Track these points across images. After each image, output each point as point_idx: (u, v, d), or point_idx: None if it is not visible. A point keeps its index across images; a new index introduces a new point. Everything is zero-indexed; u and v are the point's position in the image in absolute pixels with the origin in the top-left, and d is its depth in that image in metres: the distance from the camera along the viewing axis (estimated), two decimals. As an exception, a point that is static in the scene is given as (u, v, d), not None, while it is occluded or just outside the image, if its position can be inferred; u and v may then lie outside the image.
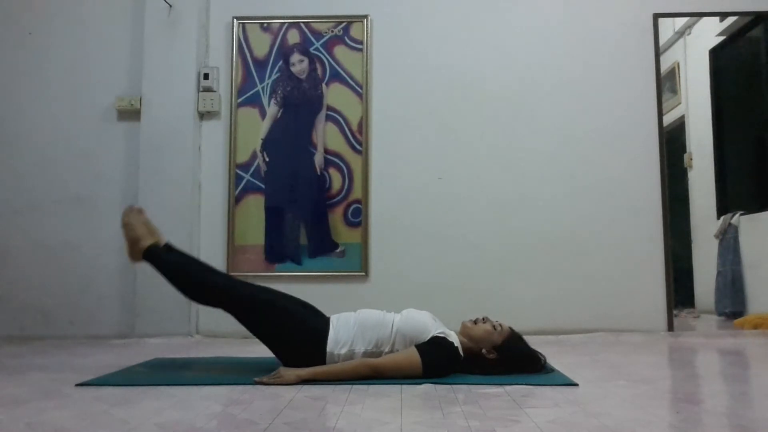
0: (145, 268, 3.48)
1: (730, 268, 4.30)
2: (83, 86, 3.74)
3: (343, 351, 2.14)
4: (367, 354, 2.14)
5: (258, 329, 2.22)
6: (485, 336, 2.20)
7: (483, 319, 2.25)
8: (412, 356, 2.08)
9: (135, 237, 2.31)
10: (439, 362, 2.11)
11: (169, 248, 2.38)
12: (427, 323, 2.18)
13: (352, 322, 2.20)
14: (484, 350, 2.19)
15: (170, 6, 3.63)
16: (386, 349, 2.15)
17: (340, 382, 2.02)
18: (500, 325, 2.24)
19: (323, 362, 2.13)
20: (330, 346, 2.14)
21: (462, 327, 2.25)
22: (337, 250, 3.62)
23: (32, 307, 3.61)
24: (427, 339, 2.13)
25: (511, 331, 2.25)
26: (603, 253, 3.58)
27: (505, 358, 2.18)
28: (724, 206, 4.64)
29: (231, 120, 3.70)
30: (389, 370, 2.07)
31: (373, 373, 2.07)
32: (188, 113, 3.63)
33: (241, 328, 2.28)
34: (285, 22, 3.75)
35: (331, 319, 2.24)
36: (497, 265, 3.59)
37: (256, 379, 2.06)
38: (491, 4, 3.75)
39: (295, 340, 2.16)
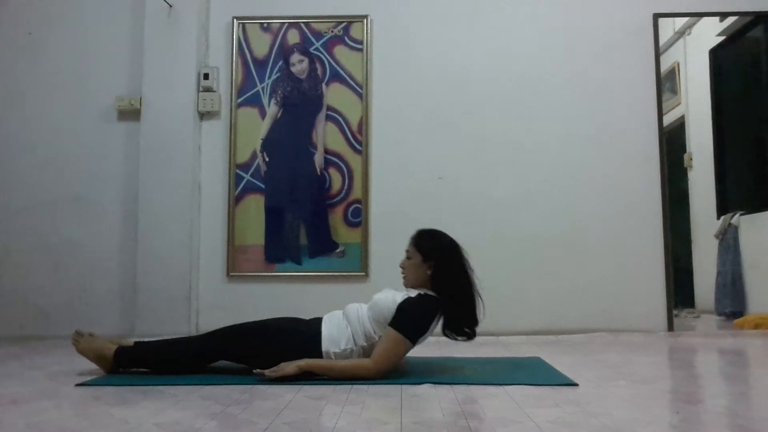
0: (146, 268, 3.52)
1: (730, 268, 4.30)
2: (83, 86, 3.74)
3: (339, 350, 2.14)
4: (365, 348, 2.15)
5: (255, 358, 2.18)
6: (414, 270, 2.22)
7: (401, 268, 2.28)
8: (392, 335, 2.08)
9: (96, 355, 2.25)
10: (415, 322, 2.11)
11: (139, 344, 2.34)
12: (389, 299, 2.16)
13: (342, 320, 2.21)
14: (428, 272, 2.20)
15: (170, 6, 3.63)
16: (376, 338, 2.14)
17: (340, 382, 2.03)
18: (406, 254, 2.27)
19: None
20: (325, 345, 2.15)
21: (405, 283, 2.28)
22: (337, 250, 3.62)
23: (32, 307, 3.62)
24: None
25: (414, 242, 2.27)
26: (603, 252, 3.58)
27: (433, 257, 2.20)
28: (724, 206, 4.63)
29: (231, 120, 3.70)
30: (384, 359, 2.07)
31: (372, 371, 2.07)
32: (188, 113, 3.63)
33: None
34: (285, 22, 3.75)
35: (323, 319, 2.25)
36: (497, 265, 3.58)
37: (256, 370, 2.07)
38: (491, 4, 3.75)
39: (292, 351, 2.15)
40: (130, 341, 2.39)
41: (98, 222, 3.67)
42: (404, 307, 2.12)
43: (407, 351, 2.13)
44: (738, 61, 4.60)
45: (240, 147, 3.69)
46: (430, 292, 2.20)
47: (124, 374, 2.25)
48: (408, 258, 2.27)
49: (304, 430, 1.47)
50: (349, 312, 2.23)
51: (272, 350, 2.16)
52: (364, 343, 2.15)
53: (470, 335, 2.24)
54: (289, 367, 2.05)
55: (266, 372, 2.06)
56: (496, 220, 3.62)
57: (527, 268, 3.58)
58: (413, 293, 2.19)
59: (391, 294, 2.19)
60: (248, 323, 2.27)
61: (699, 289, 5.04)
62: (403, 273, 2.28)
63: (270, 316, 2.39)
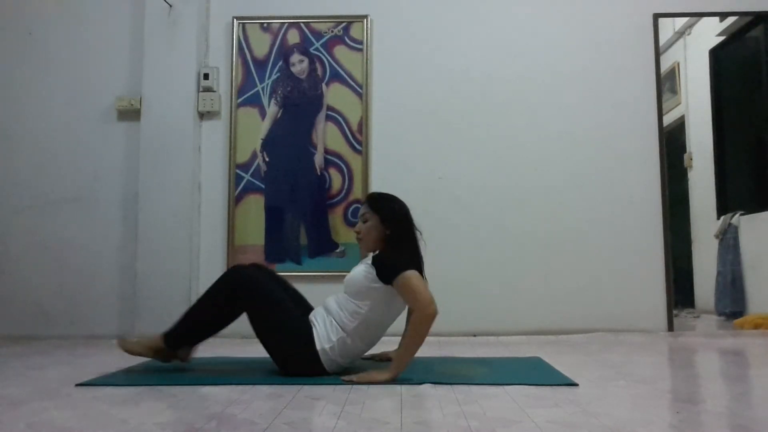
0: (146, 268, 3.51)
1: (730, 268, 4.30)
2: (83, 86, 3.74)
3: (332, 343, 2.14)
4: (356, 328, 2.15)
5: (260, 329, 2.22)
6: (372, 233, 2.23)
7: (357, 233, 2.29)
8: (401, 280, 2.06)
9: (149, 348, 2.28)
10: (398, 258, 2.13)
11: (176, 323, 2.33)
12: (359, 269, 2.21)
13: (326, 315, 2.21)
14: (387, 233, 2.22)
15: (170, 6, 3.63)
16: (363, 311, 2.15)
17: (340, 382, 2.03)
18: (362, 218, 2.27)
19: (318, 361, 2.13)
20: (318, 344, 2.14)
21: (363, 248, 2.29)
22: (337, 250, 3.62)
23: (32, 307, 3.61)
24: (370, 271, 2.14)
25: (371, 204, 2.27)
26: (603, 253, 3.58)
27: (390, 218, 2.22)
28: (724, 206, 4.64)
29: (231, 120, 3.70)
30: (420, 297, 2.04)
31: (424, 313, 2.03)
32: (188, 113, 3.63)
33: (241, 329, 2.28)
34: (285, 22, 3.75)
35: (310, 319, 2.24)
36: (497, 265, 3.59)
37: (344, 377, 2.07)
38: (491, 3, 3.75)
39: (288, 344, 2.17)
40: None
41: (98, 222, 3.67)
42: (380, 258, 2.15)
43: (419, 276, 2.11)
44: (738, 61, 4.60)
45: (240, 147, 3.69)
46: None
47: (124, 374, 2.25)
48: (365, 221, 2.26)
49: (304, 430, 1.47)
50: (329, 305, 2.24)
51: (274, 342, 2.18)
52: (353, 323, 2.16)
53: None
54: (381, 376, 2.05)
55: (354, 378, 2.05)
56: (496, 220, 3.62)
57: (527, 268, 3.58)
58: (375, 253, 2.23)
59: (359, 267, 2.23)
60: (274, 298, 2.23)
61: (699, 289, 5.05)
62: (359, 237, 2.28)
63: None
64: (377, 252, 2.22)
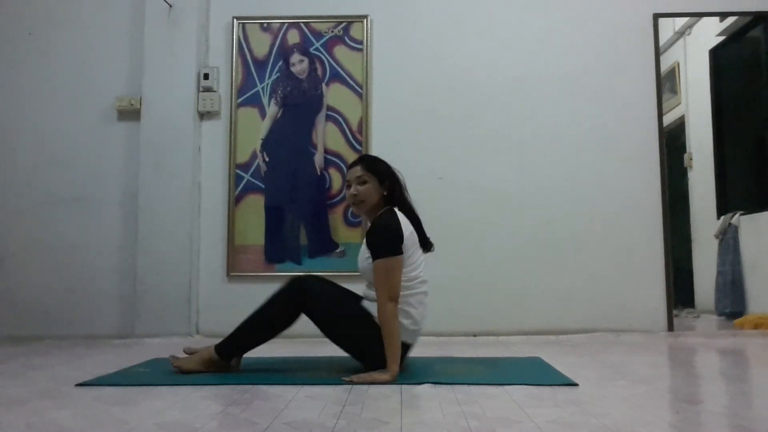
0: (146, 268, 3.51)
1: (730, 268, 4.30)
2: (83, 86, 3.74)
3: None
4: (404, 297, 2.18)
5: (334, 333, 2.24)
6: (372, 194, 2.27)
7: (354, 196, 2.28)
8: (376, 265, 2.13)
9: (204, 363, 2.25)
10: (386, 236, 2.17)
11: (233, 332, 2.31)
12: (359, 258, 2.28)
13: (370, 303, 2.23)
14: (384, 192, 2.28)
15: (170, 6, 3.63)
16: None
17: (340, 382, 2.03)
18: (359, 180, 2.28)
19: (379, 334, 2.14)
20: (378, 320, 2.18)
21: (362, 211, 2.30)
22: (337, 250, 3.62)
23: (32, 307, 3.62)
24: (366, 249, 2.21)
25: (367, 166, 2.30)
26: (603, 252, 3.58)
27: (387, 178, 2.29)
28: (724, 206, 4.64)
29: (231, 120, 3.70)
30: (381, 290, 2.11)
31: (382, 308, 2.10)
32: (188, 113, 3.63)
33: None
34: (285, 22, 3.75)
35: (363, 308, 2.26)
36: (497, 265, 3.59)
37: (344, 378, 2.07)
38: (491, 4, 3.75)
39: (364, 338, 2.19)
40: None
41: (98, 222, 3.67)
42: (370, 236, 2.20)
43: (400, 265, 2.15)
44: (738, 61, 4.60)
45: (240, 147, 3.69)
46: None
47: (124, 374, 2.25)
48: (363, 183, 2.28)
49: (304, 430, 1.47)
50: (367, 293, 2.28)
51: (351, 341, 2.22)
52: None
53: (431, 245, 2.38)
54: (381, 376, 2.06)
55: (354, 378, 2.06)
56: (496, 220, 3.62)
57: (527, 268, 3.58)
58: (371, 226, 2.26)
59: (361, 254, 2.28)
60: (339, 300, 2.27)
61: (699, 289, 5.05)
62: (357, 199, 2.28)
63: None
64: (373, 223, 2.25)
